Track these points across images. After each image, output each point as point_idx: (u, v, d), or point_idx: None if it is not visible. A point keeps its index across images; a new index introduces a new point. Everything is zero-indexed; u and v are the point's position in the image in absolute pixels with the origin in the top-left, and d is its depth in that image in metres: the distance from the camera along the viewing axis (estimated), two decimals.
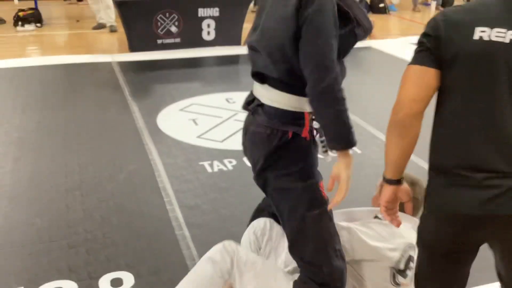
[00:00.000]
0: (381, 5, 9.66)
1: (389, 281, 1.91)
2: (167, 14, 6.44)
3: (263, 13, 1.73)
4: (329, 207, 1.74)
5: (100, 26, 7.80)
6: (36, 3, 8.32)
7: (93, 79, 5.36)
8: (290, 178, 1.73)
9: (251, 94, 1.85)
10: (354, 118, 4.21)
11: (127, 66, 5.81)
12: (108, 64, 5.86)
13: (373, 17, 7.68)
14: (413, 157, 1.52)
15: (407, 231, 1.92)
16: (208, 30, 6.52)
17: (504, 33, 1.34)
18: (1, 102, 4.63)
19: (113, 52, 6.51)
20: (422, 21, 9.19)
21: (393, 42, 7.20)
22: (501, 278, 1.59)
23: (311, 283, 1.76)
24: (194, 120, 4.22)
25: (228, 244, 1.88)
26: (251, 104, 1.82)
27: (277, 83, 1.70)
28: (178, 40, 6.57)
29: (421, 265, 1.63)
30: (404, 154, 1.47)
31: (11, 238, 2.64)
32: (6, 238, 2.64)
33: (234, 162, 3.47)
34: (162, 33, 6.51)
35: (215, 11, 6.47)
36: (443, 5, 10.32)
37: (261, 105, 1.76)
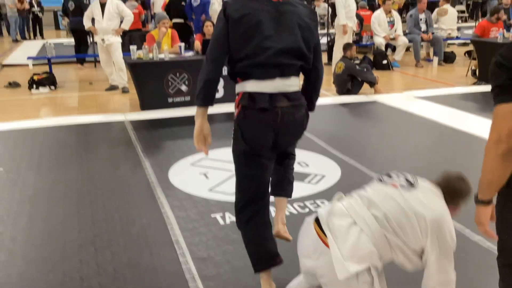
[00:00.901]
0: (384, 61, 9.93)
1: None
2: (178, 74, 6.68)
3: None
4: None
5: (113, 88, 8.07)
6: (50, 67, 8.64)
7: (106, 137, 5.51)
8: None
9: (267, 96, 2.39)
10: (361, 168, 4.32)
11: (139, 124, 5.97)
12: (121, 123, 6.02)
13: (377, 73, 7.91)
14: None
15: None
16: (217, 88, 6.71)
17: None
18: (17, 161, 4.74)
19: (125, 111, 6.70)
20: (425, 76, 9.41)
21: (397, 96, 7.34)
22: None
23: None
24: (205, 174, 4.29)
25: None
26: (273, 102, 2.36)
27: (298, 72, 2.44)
28: (188, 98, 6.77)
29: None
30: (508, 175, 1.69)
31: None
32: None
33: None
34: (172, 92, 6.73)
35: (223, 70, 6.67)
36: (445, 60, 10.58)
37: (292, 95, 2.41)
